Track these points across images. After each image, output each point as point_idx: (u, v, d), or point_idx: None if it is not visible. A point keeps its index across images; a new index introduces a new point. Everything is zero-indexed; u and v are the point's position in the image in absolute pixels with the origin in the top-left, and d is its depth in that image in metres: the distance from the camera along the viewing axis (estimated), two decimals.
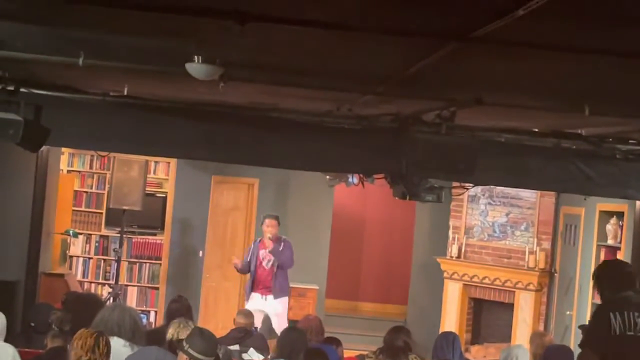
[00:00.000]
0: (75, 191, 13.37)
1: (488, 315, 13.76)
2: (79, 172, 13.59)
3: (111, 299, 11.93)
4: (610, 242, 10.55)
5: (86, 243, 13.55)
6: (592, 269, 10.72)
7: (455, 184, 10.89)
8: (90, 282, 13.51)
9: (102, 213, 13.55)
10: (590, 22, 3.71)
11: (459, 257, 13.54)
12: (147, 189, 12.71)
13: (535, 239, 12.85)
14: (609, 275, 6.06)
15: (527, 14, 3.43)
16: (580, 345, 6.03)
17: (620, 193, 8.68)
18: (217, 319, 13.27)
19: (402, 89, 6.24)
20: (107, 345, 5.81)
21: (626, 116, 6.64)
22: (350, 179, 10.98)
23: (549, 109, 6.66)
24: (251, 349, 8.52)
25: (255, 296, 11.55)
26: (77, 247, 13.43)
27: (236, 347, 8.46)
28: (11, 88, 6.95)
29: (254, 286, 11.57)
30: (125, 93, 7.63)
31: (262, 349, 8.67)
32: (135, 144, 8.28)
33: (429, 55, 4.72)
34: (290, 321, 11.65)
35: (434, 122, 7.21)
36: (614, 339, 5.68)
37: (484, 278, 13.28)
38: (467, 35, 4.06)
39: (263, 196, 13.78)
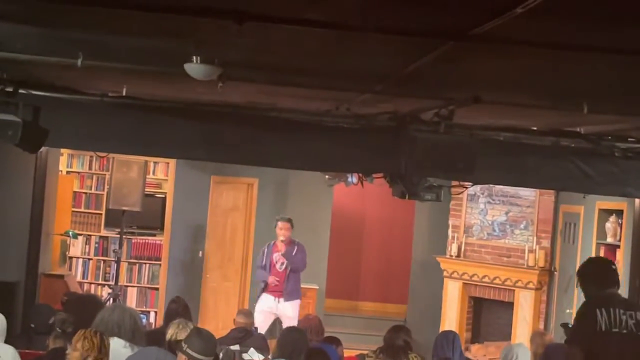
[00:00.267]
0: (75, 192, 13.37)
1: (488, 314, 13.77)
2: (78, 173, 13.59)
3: (111, 299, 11.93)
4: (609, 240, 10.56)
5: (86, 244, 13.55)
6: None
7: (454, 182, 10.88)
8: (90, 283, 13.51)
9: (101, 214, 13.54)
10: (587, 20, 3.71)
11: (458, 256, 13.54)
12: (146, 189, 12.71)
13: (535, 238, 12.86)
14: (593, 272, 6.09)
15: (525, 12, 3.44)
16: (566, 342, 6.05)
17: (619, 191, 8.68)
18: (217, 319, 13.27)
19: (401, 87, 6.24)
20: (108, 345, 5.83)
21: (625, 114, 6.65)
22: (349, 179, 10.98)
23: (547, 107, 6.67)
24: (251, 349, 8.52)
25: (267, 298, 11.60)
26: (76, 248, 13.43)
27: (236, 347, 8.47)
28: (10, 89, 6.95)
29: (266, 288, 11.61)
30: (124, 94, 7.63)
31: (263, 349, 8.67)
32: (134, 144, 8.27)
33: (427, 53, 4.72)
34: None
35: (432, 121, 7.21)
36: (599, 335, 5.71)
37: (484, 277, 13.28)
38: (465, 34, 4.06)
39: (262, 196, 13.78)
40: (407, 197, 8.12)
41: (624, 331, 5.72)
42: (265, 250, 11.75)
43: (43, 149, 9.32)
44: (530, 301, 12.75)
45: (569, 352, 5.97)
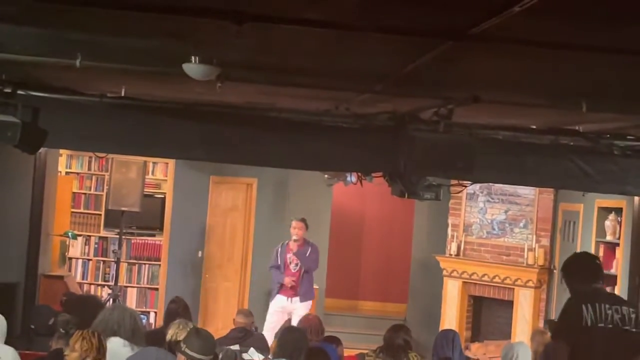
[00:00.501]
0: (74, 193, 13.37)
1: (488, 313, 13.78)
2: (78, 173, 13.57)
3: (111, 300, 11.93)
4: (609, 238, 10.56)
5: (85, 244, 13.54)
6: None
7: (453, 181, 10.88)
8: (90, 284, 13.50)
9: (100, 214, 13.53)
10: (585, 19, 3.71)
11: (458, 254, 13.55)
12: (145, 190, 12.70)
13: (534, 236, 12.86)
14: (578, 268, 6.11)
15: (523, 11, 3.44)
16: (552, 337, 6.06)
17: (619, 189, 8.68)
18: (217, 319, 13.28)
19: (400, 87, 6.24)
20: (106, 346, 5.85)
21: (624, 112, 6.66)
22: (348, 178, 10.99)
23: (546, 106, 6.67)
24: (251, 348, 8.52)
25: (280, 298, 11.64)
26: (76, 248, 13.42)
27: (236, 347, 8.46)
28: (8, 90, 6.95)
29: (281, 288, 11.64)
30: (123, 94, 7.63)
31: (263, 349, 8.67)
32: (133, 145, 8.27)
33: (426, 53, 4.73)
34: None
35: (431, 120, 7.22)
36: (585, 330, 5.72)
37: (483, 275, 13.29)
38: (463, 33, 4.06)
39: (262, 196, 13.79)
40: (406, 196, 8.12)
41: (610, 326, 5.74)
42: (279, 249, 11.78)
43: (42, 149, 9.32)
44: (530, 299, 12.75)
45: (555, 346, 5.99)
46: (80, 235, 13.24)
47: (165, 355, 6.28)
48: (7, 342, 6.69)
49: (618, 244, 10.31)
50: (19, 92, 7.08)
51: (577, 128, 7.86)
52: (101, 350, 5.80)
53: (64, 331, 6.92)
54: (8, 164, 9.97)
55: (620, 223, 10.31)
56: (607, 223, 10.57)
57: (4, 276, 10.21)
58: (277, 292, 11.71)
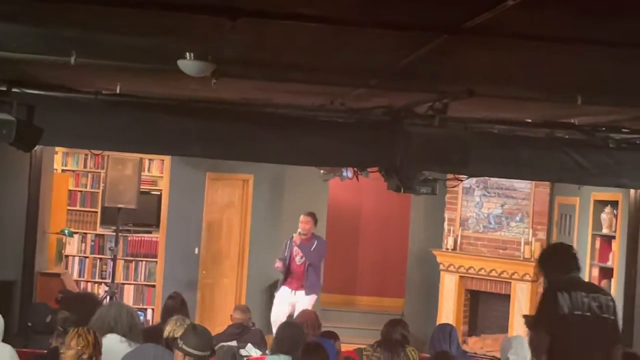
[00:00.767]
0: (70, 190, 13.36)
1: (485, 307, 13.78)
2: (73, 171, 13.57)
3: (108, 297, 11.93)
4: (605, 231, 10.58)
5: (82, 242, 13.54)
6: (588, 259, 10.82)
7: (449, 175, 10.89)
8: (87, 281, 13.49)
9: (97, 212, 13.52)
10: (579, 12, 3.72)
11: (454, 249, 13.55)
12: (141, 187, 12.70)
13: (531, 230, 12.87)
14: (555, 258, 6.14)
15: (517, 4, 3.45)
16: (531, 327, 6.09)
17: (614, 182, 8.70)
18: (214, 315, 13.27)
19: (395, 81, 6.25)
20: (102, 343, 5.88)
21: (619, 105, 6.67)
22: (344, 173, 10.99)
23: (541, 99, 6.68)
24: (249, 344, 8.54)
25: (285, 290, 11.70)
26: (72, 246, 13.41)
27: (234, 343, 8.47)
28: (3, 88, 6.95)
29: (285, 280, 11.70)
30: (118, 91, 7.63)
31: (260, 345, 8.69)
32: (128, 142, 8.27)
33: (421, 47, 4.73)
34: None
35: (427, 115, 7.23)
36: (562, 318, 5.75)
37: (480, 269, 13.29)
38: (458, 27, 4.07)
39: (258, 192, 13.78)
40: (402, 191, 8.12)
41: (587, 314, 5.77)
42: (288, 242, 11.86)
43: (37, 147, 9.31)
44: (527, 293, 12.76)
45: (534, 337, 6.01)
46: (76, 232, 13.24)
47: (163, 352, 6.28)
48: (4, 340, 6.69)
49: (614, 237, 10.32)
50: (14, 89, 7.07)
51: (572, 121, 7.87)
52: (97, 347, 5.81)
53: (62, 329, 6.92)
54: (4, 162, 9.97)
55: (616, 216, 10.33)
56: (603, 216, 10.59)
57: (1, 274, 10.22)
58: (282, 284, 11.78)
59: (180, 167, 13.22)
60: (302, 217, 11.81)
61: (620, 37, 4.14)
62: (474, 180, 13.05)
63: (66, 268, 13.05)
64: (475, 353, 12.33)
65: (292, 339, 7.27)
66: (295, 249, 11.71)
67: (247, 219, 13.76)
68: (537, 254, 12.62)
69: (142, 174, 12.81)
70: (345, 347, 8.30)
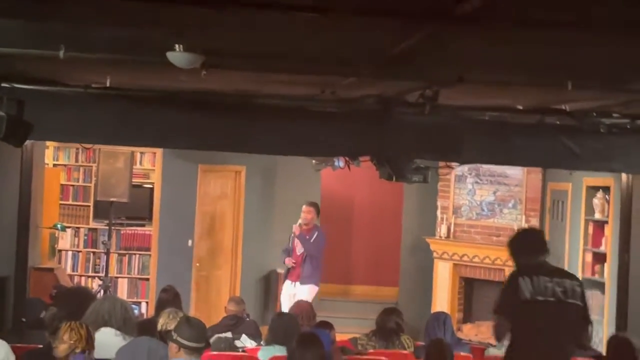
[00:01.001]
0: (62, 185, 13.33)
1: (479, 294, 13.80)
2: (65, 165, 13.54)
3: (102, 291, 11.92)
4: (597, 216, 10.59)
5: (75, 236, 13.52)
6: (581, 244, 10.84)
7: (441, 163, 10.90)
8: (80, 275, 13.47)
9: (89, 206, 13.50)
10: None
11: (448, 237, 13.56)
12: (133, 180, 12.68)
13: (524, 216, 12.88)
14: (522, 243, 6.12)
15: None
16: (493, 312, 6.07)
17: (606, 167, 8.72)
18: (208, 307, 13.26)
19: (385, 70, 6.24)
20: (94, 336, 5.89)
21: (609, 90, 6.66)
22: (336, 163, 10.98)
23: (531, 85, 6.67)
24: (244, 335, 8.54)
25: (287, 283, 11.74)
26: (65, 240, 13.39)
27: (228, 334, 8.47)
28: None
29: (288, 273, 11.69)
30: (108, 84, 7.61)
31: (255, 336, 8.68)
32: (119, 135, 8.27)
33: (411, 35, 4.72)
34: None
35: (417, 103, 7.22)
36: (524, 303, 5.72)
37: (474, 257, 13.31)
38: (448, 14, 4.06)
39: (250, 183, 13.77)
40: (394, 180, 8.13)
41: (551, 299, 5.73)
42: (292, 234, 11.81)
43: (28, 142, 9.28)
44: None
45: (495, 323, 5.98)
46: (69, 227, 13.22)
47: (157, 345, 6.29)
48: None
49: (607, 222, 10.34)
50: (4, 84, 7.06)
51: (563, 107, 7.87)
52: (90, 341, 5.83)
53: (52, 327, 6.92)
54: None
55: (608, 201, 10.34)
56: (596, 201, 10.60)
57: None
58: (285, 277, 11.78)
59: (172, 160, 13.20)
60: (303, 207, 11.76)
61: (611, 22, 4.14)
62: (466, 167, 13.05)
63: (59, 263, 13.04)
64: (470, 340, 12.34)
65: (287, 330, 7.27)
66: (297, 240, 11.68)
67: (240, 211, 13.75)
68: None
69: (134, 167, 12.80)
70: (340, 337, 8.30)
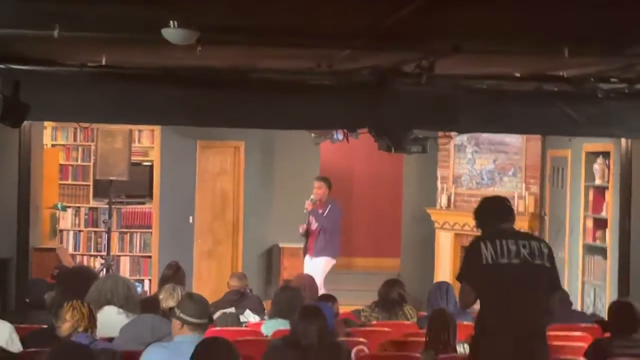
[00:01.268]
0: (61, 165, 13.31)
1: None
2: (64, 145, 13.52)
3: (104, 270, 11.93)
4: (597, 182, 10.59)
5: (75, 216, 13.52)
6: (582, 210, 10.84)
7: (440, 133, 10.88)
8: (82, 255, 13.49)
9: (89, 185, 13.50)
10: None
11: (448, 206, 13.55)
12: (132, 158, 12.66)
13: (524, 184, 12.87)
14: (487, 210, 6.10)
15: None
16: (456, 279, 6.05)
17: (605, 132, 8.71)
18: (211, 283, 13.28)
19: (381, 41, 6.22)
20: (96, 315, 5.91)
21: (606, 55, 6.64)
22: (335, 135, 10.96)
23: (528, 52, 6.65)
24: (247, 310, 8.55)
25: (306, 258, 11.71)
26: (66, 220, 13.40)
27: (232, 309, 8.49)
28: None
29: (305, 248, 11.70)
30: (104, 63, 7.59)
31: (258, 310, 8.70)
32: (116, 113, 8.25)
33: (406, 5, 4.70)
34: (284, 280, 11.73)
35: (414, 73, 7.20)
36: (486, 268, 5.69)
37: (475, 226, 13.29)
38: None
39: (250, 158, 13.76)
40: (393, 151, 8.12)
41: (516, 261, 5.67)
42: (305, 210, 11.77)
43: (26, 123, 9.26)
44: None
45: (460, 290, 5.96)
46: (69, 206, 13.22)
47: (160, 322, 6.29)
48: (2, 317, 6.70)
49: (607, 188, 10.33)
50: None
51: (560, 74, 7.85)
52: (92, 320, 5.85)
53: (53, 309, 6.94)
54: None
55: (608, 167, 10.33)
56: (596, 167, 10.59)
57: None
58: (304, 253, 11.75)
59: (171, 137, 13.19)
60: (314, 183, 11.68)
61: None
62: (465, 137, 13.02)
63: (61, 243, 13.05)
64: (473, 309, 12.37)
65: (290, 303, 7.28)
66: (311, 216, 11.64)
67: (240, 186, 13.75)
68: (531, 209, 12.66)
69: (133, 145, 12.77)
70: (343, 309, 8.33)
